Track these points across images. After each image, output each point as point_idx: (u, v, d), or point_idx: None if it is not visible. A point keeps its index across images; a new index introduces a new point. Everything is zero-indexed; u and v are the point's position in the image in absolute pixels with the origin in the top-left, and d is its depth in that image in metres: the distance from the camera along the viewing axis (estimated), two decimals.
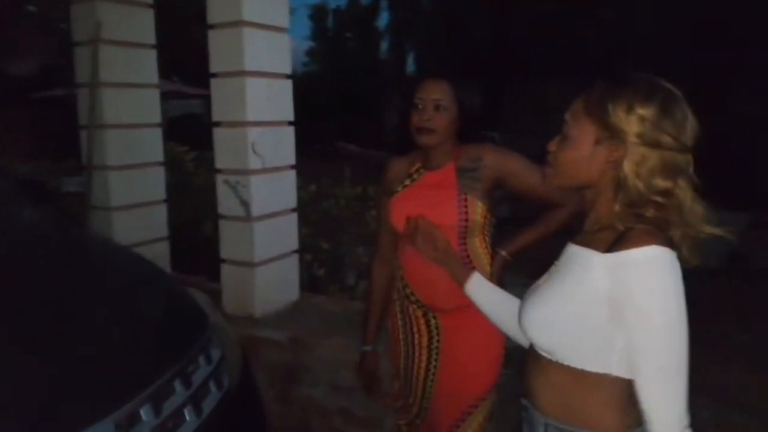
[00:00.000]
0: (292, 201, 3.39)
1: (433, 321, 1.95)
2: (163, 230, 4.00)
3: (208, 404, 1.76)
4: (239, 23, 2.91)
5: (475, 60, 13.28)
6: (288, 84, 3.23)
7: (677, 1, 10.02)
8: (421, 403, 2.02)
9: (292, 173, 3.36)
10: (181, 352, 1.77)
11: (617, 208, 1.14)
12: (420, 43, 21.74)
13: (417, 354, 1.99)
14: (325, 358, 2.90)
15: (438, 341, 1.95)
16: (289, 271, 3.43)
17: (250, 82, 2.98)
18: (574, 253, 1.22)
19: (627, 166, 1.12)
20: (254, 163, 3.07)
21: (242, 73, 2.96)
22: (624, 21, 11.14)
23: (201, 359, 1.84)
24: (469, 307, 1.72)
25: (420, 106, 1.85)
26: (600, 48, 11.43)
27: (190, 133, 7.13)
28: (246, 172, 3.08)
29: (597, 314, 1.13)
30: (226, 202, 3.20)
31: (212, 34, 3.03)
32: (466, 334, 1.91)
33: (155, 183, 3.91)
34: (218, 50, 3.03)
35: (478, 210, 1.84)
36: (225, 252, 3.29)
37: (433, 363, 1.97)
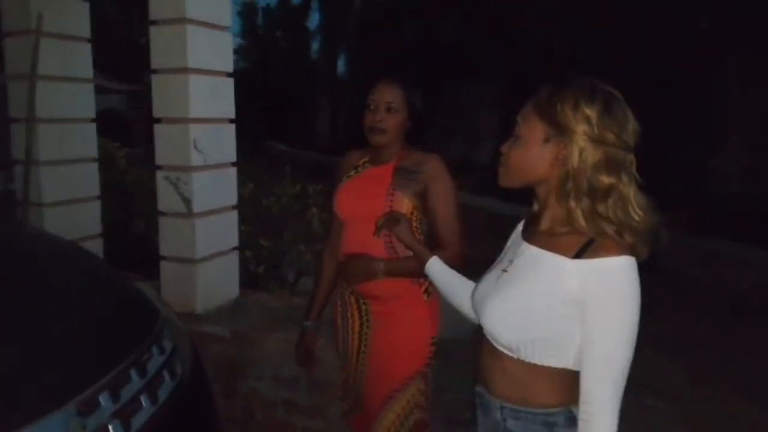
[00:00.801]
0: (232, 198, 3.42)
1: (364, 307, 2.08)
2: (97, 227, 3.94)
3: (163, 392, 1.80)
4: (183, 20, 2.92)
5: (403, 63, 13.52)
6: (229, 82, 3.27)
7: (602, 11, 10.59)
8: (357, 386, 2.16)
9: (233, 170, 3.40)
10: (135, 342, 1.80)
11: (572, 205, 1.22)
12: (350, 44, 21.83)
13: (350, 338, 2.14)
14: (269, 352, 2.96)
15: (368, 327, 2.08)
16: (230, 267, 3.46)
17: (193, 79, 3.00)
18: (537, 255, 1.28)
19: (573, 162, 1.21)
20: (196, 159, 3.09)
21: (185, 70, 2.97)
22: (546, 30, 11.65)
23: (154, 349, 1.87)
24: (397, 297, 2.01)
25: (372, 107, 1.99)
26: (521, 55, 11.91)
27: (111, 129, 6.94)
28: (188, 168, 3.09)
29: (564, 316, 1.21)
30: (166, 198, 3.19)
31: (154, 30, 3.03)
32: (393, 321, 2.04)
33: (89, 179, 3.84)
34: (160, 46, 3.03)
35: (403, 207, 1.96)
36: (165, 249, 3.28)
37: (363, 347, 2.11)
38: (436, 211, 1.97)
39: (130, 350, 1.75)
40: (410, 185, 1.97)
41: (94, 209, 3.91)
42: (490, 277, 1.42)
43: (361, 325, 2.09)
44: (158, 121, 3.14)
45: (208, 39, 3.07)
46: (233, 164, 3.40)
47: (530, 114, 1.28)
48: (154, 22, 3.02)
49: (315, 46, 26.14)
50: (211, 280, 3.31)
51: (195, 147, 3.06)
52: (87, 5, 3.58)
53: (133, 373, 1.70)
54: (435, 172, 1.97)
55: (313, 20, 25.75)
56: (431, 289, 2.05)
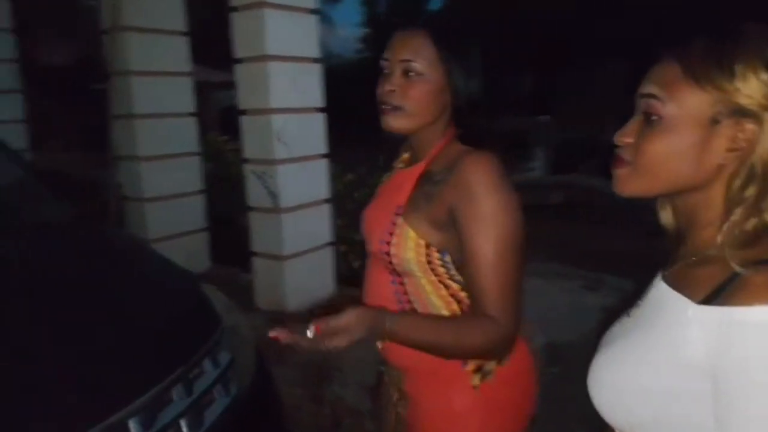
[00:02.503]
0: (323, 191, 3.24)
1: (396, 378, 1.34)
2: (201, 221, 3.94)
3: (212, 413, 1.63)
4: (261, 5, 2.77)
5: (527, 40, 12.83)
6: (316, 68, 3.08)
7: None
8: None
9: (324, 162, 3.22)
10: (183, 357, 1.64)
11: (738, 218, 0.79)
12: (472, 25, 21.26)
13: (387, 412, 1.41)
14: (356, 357, 2.75)
15: (403, 406, 1.35)
16: (323, 264, 3.30)
17: (273, 67, 2.84)
18: (661, 297, 0.87)
19: (765, 152, 0.77)
20: (280, 152, 2.94)
21: (265, 58, 2.82)
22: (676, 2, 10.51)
23: (206, 364, 1.71)
24: (432, 374, 1.23)
25: (386, 71, 1.24)
26: (651, 28, 10.84)
27: (235, 125, 7.14)
28: (272, 161, 2.95)
29: (685, 392, 0.79)
30: (254, 193, 3.10)
31: (235, 18, 2.91)
32: (426, 410, 1.29)
33: (190, 174, 3.85)
34: (241, 34, 2.91)
35: (409, 242, 1.20)
36: (255, 245, 3.19)
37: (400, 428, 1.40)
38: (466, 252, 1.14)
39: (175, 366, 1.59)
40: (424, 206, 1.20)
41: (198, 203, 3.92)
42: (618, 323, 0.99)
43: (398, 399, 1.36)
44: (243, 112, 3.02)
45: (290, 23, 2.90)
46: (324, 156, 3.21)
47: (678, 83, 0.82)
48: (234, 9, 2.89)
49: None
50: (302, 277, 3.17)
51: (278, 138, 2.90)
52: None
53: (175, 392, 1.54)
54: (464, 183, 1.14)
55: (435, 2, 25.24)
56: (488, 369, 1.22)
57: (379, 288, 1.27)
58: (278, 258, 3.07)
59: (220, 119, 9.68)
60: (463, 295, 1.19)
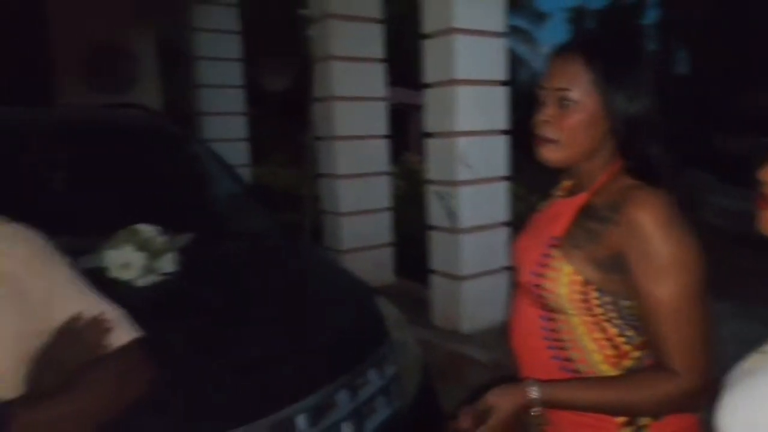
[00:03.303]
0: (503, 214, 3.23)
1: (538, 421, 1.18)
2: (387, 236, 4.14)
3: (373, 422, 1.72)
4: (450, 31, 2.86)
5: (752, 52, 11.43)
6: (502, 91, 3.09)
7: None
8: None
9: (504, 185, 3.20)
10: (350, 365, 1.76)
11: None
12: (691, 39, 19.50)
13: None
14: None
15: None
16: (499, 287, 3.27)
17: (461, 91, 2.91)
18: None
19: None
20: (463, 173, 2.99)
21: (453, 82, 2.90)
22: None
23: (372, 374, 1.81)
24: (582, 419, 1.13)
25: (541, 100, 1.17)
26: None
27: None
28: (455, 183, 3.01)
29: None
30: (436, 212, 3.18)
31: (426, 44, 3.03)
32: None
33: (380, 191, 4.08)
34: (431, 59, 3.02)
35: (563, 277, 1.12)
36: (434, 263, 3.27)
37: None
38: (644, 302, 1.06)
39: (341, 373, 1.70)
40: (584, 244, 1.12)
41: (385, 219, 4.13)
42: (746, 361, 0.86)
43: None
44: (430, 135, 3.13)
45: (477, 47, 2.95)
46: (505, 178, 3.20)
47: None
48: (426, 36, 3.01)
49: (650, 44, 24.13)
50: (478, 299, 3.17)
51: (462, 160, 2.96)
52: (380, 26, 3.80)
53: (339, 397, 1.66)
54: (635, 225, 1.05)
55: (649, 17, 23.64)
56: (643, 423, 1.11)
57: (527, 323, 1.21)
58: (455, 278, 3.12)
59: (420, 140, 10.08)
60: (620, 341, 1.12)
